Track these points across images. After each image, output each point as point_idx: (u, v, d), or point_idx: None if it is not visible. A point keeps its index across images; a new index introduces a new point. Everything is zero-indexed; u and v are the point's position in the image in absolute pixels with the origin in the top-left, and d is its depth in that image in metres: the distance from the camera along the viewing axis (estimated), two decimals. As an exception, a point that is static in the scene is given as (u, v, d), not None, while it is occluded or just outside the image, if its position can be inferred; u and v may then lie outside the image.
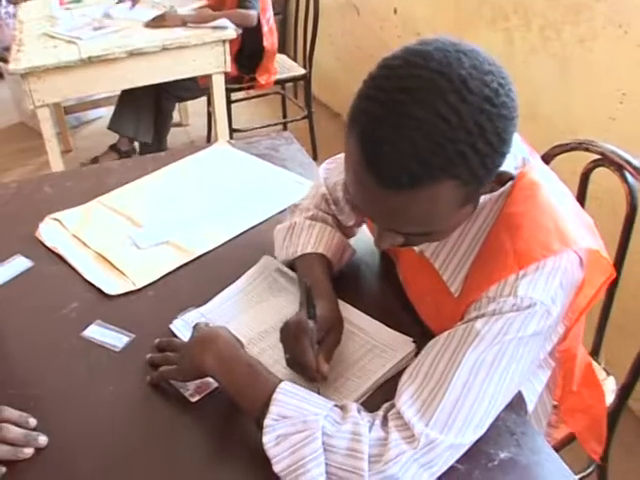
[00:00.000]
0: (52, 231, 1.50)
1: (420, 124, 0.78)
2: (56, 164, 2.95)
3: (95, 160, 3.61)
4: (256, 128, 3.52)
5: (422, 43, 0.84)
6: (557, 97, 2.39)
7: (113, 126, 3.59)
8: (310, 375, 1.02)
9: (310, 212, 1.29)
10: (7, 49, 4.66)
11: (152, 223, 1.51)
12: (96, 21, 3.13)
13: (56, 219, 1.54)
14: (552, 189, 0.96)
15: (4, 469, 0.96)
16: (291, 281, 1.26)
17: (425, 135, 0.78)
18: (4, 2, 5.08)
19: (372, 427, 0.88)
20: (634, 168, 1.23)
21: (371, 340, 1.12)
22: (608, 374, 1.53)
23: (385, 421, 0.89)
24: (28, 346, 1.21)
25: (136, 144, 3.70)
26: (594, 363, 1.34)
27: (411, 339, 1.11)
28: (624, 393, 1.37)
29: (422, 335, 1.09)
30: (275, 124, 3.75)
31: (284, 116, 3.97)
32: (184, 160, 1.78)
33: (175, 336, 1.16)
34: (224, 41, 2.90)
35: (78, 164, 3.66)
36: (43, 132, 2.88)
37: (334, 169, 1.34)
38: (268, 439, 0.89)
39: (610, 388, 1.47)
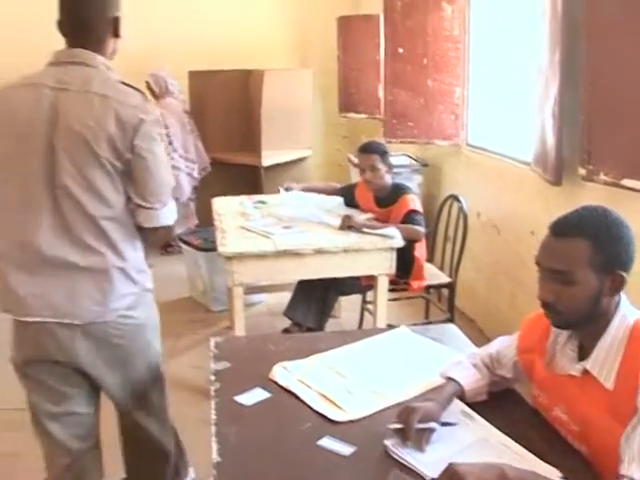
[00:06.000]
0: (282, 374, 2.03)
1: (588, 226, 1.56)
2: (240, 333, 3.50)
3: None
4: (408, 325, 4.00)
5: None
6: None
7: (288, 313, 4.24)
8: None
9: (474, 360, 1.93)
10: (192, 232, 5.51)
11: (354, 377, 2.02)
12: (284, 220, 3.83)
13: (284, 367, 2.07)
14: None
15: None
16: (472, 419, 1.75)
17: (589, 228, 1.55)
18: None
19: None
20: None
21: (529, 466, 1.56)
22: None
23: None
24: (274, 448, 1.69)
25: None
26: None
27: (558, 472, 1.54)
28: None
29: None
30: (422, 323, 4.24)
31: (426, 317, 4.49)
32: (375, 337, 2.33)
33: (387, 451, 1.63)
34: (392, 248, 3.51)
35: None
36: (235, 305, 3.47)
37: (501, 342, 1.95)
38: None
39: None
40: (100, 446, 2.39)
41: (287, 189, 4.31)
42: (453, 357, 2.07)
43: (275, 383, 2.00)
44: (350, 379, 2.01)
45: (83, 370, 2.15)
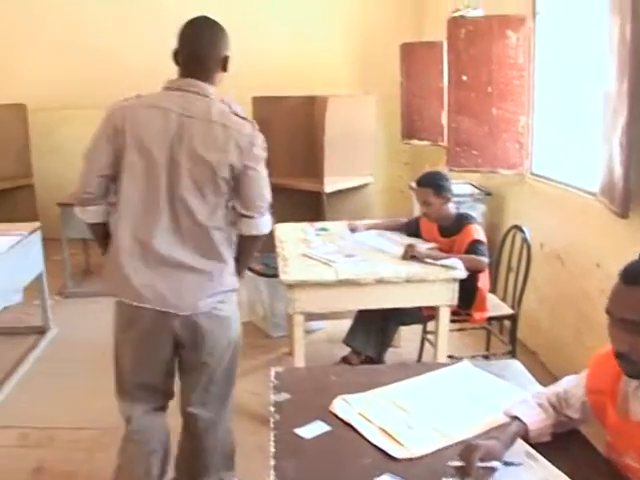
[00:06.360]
0: (343, 407, 2.03)
1: None
2: (299, 361, 3.51)
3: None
4: (473, 357, 3.93)
5: None
6: None
7: (348, 341, 4.24)
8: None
9: (539, 400, 1.88)
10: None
11: (415, 411, 2.01)
12: (346, 249, 3.84)
13: (345, 400, 2.07)
14: None
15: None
16: (536, 461, 1.71)
17: None
18: None
19: None
20: None
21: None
22: None
23: None
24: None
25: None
26: None
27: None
28: None
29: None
30: (483, 356, 4.18)
31: (487, 348, 4.41)
32: (437, 371, 2.30)
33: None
34: (454, 279, 3.48)
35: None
36: (295, 333, 3.49)
37: (569, 381, 1.90)
38: None
39: None
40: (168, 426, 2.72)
41: (353, 230, 4.29)
42: (516, 394, 2.04)
43: (335, 416, 2.00)
44: (411, 413, 1.99)
45: (176, 343, 2.50)
